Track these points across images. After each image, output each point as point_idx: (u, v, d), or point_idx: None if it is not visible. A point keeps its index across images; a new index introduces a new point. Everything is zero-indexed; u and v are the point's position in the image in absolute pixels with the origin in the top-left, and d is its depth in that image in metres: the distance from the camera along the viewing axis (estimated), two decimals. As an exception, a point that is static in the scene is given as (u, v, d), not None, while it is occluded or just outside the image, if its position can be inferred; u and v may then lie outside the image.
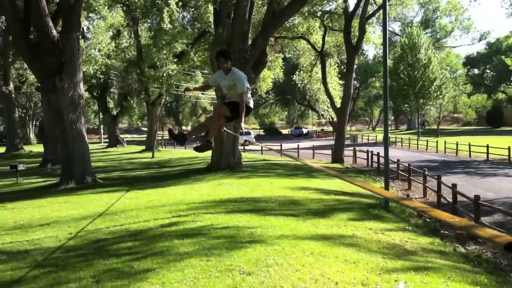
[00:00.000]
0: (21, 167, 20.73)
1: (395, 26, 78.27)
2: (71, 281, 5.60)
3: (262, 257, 6.25)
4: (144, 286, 5.29)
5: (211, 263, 5.99)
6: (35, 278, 5.84)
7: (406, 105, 56.16)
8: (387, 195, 7.00)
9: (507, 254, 8.54)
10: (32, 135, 58.04)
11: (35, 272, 6.07)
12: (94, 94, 46.09)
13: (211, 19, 23.22)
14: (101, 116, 57.23)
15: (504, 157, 27.35)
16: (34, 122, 59.32)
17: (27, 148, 42.63)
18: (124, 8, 30.11)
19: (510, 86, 65.13)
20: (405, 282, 5.67)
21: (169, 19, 22.83)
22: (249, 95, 6.55)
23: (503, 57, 54.70)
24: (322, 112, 38.88)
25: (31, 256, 6.85)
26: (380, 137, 47.91)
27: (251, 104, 6.57)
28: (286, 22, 25.55)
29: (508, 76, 63.60)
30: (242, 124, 6.73)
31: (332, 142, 33.87)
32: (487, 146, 28.90)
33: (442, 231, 10.23)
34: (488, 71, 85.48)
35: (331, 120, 37.28)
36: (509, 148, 26.62)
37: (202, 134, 7.26)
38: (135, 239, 7.54)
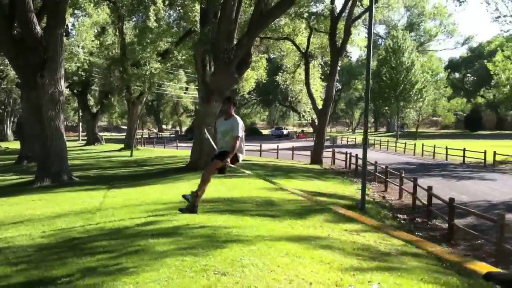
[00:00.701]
0: (-4, 163, 20.41)
1: (380, 29, 79.16)
2: (44, 279, 5.53)
3: (237, 257, 6.26)
4: (118, 286, 5.25)
5: (187, 263, 5.98)
6: (7, 276, 5.75)
7: (386, 108, 56.76)
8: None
9: (479, 257, 8.71)
10: (9, 132, 57.14)
11: (7, 270, 5.98)
12: (75, 91, 45.53)
13: (198, 18, 23.16)
14: (80, 114, 56.61)
15: (480, 161, 27.84)
16: (12, 119, 58.40)
17: (3, 145, 41.95)
18: (111, 5, 29.83)
19: (489, 91, 66.30)
20: (379, 283, 5.74)
21: (155, 18, 22.72)
22: (243, 145, 6.92)
23: (485, 61, 55.60)
24: (303, 114, 39.07)
25: (3, 254, 6.74)
26: (359, 139, 48.37)
27: (241, 158, 6.96)
28: (272, 23, 25.63)
29: (488, 81, 64.69)
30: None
31: (312, 144, 34.06)
32: (464, 150, 29.38)
33: (417, 233, 10.38)
34: (469, 75, 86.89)
35: (311, 121, 37.45)
36: (485, 152, 27.10)
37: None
38: (110, 238, 7.48)
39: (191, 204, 6.96)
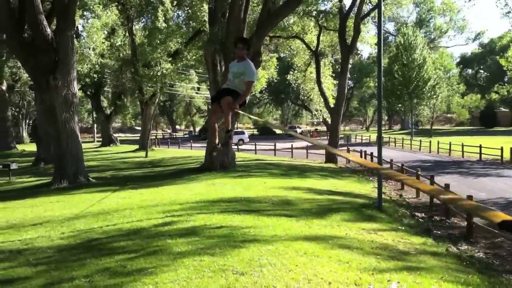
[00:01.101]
0: (13, 166, 20.65)
1: (389, 26, 78.61)
2: (63, 280, 5.58)
3: (255, 257, 6.25)
4: (137, 286, 5.28)
5: (205, 263, 5.99)
6: (27, 278, 5.81)
7: (400, 105, 56.33)
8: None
9: (499, 255, 8.60)
10: (25, 134, 57.76)
11: (28, 272, 6.04)
12: (88, 93, 45.86)
13: (206, 18, 23.21)
14: (94, 115, 57.04)
15: (496, 158, 27.49)
16: (27, 121, 59.04)
17: (20, 147, 42.42)
18: (119, 6, 30.02)
19: (503, 87, 65.53)
20: (398, 282, 5.69)
21: (163, 18, 22.81)
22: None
23: (497, 57, 54.98)
24: (315, 112, 38.96)
25: (23, 256, 6.81)
26: (373, 137, 48.08)
27: (247, 99, 6.52)
28: (281, 22, 25.59)
29: (501, 77, 63.97)
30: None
31: (326, 142, 33.94)
32: (480, 147, 29.04)
33: (435, 231, 10.27)
34: (482, 71, 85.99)
35: (324, 120, 37.32)
36: (501, 149, 26.75)
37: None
38: (128, 239, 7.52)
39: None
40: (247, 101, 6.61)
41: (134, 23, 33.85)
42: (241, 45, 6.23)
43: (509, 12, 32.32)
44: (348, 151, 30.04)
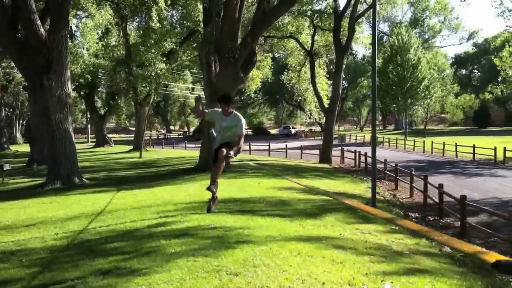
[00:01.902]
0: (7, 167, 20.54)
1: (384, 26, 78.79)
2: (57, 282, 5.55)
3: (249, 257, 6.24)
4: (131, 287, 5.26)
5: (198, 263, 5.98)
6: (20, 279, 5.78)
7: (394, 105, 56.50)
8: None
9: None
10: (18, 135, 57.47)
11: (21, 273, 6.01)
12: (82, 93, 45.73)
13: (201, 18, 23.19)
14: (88, 116, 56.88)
15: (490, 157, 27.63)
16: (21, 122, 58.74)
17: (13, 148, 42.22)
18: (113, 6, 29.95)
19: (497, 87, 65.88)
20: (392, 282, 5.70)
21: (157, 18, 22.74)
22: (243, 139, 7.04)
23: (492, 57, 55.23)
24: (309, 113, 39.01)
25: (16, 257, 6.77)
26: (368, 137, 48.21)
27: (241, 149, 7.21)
28: (276, 21, 25.61)
29: (495, 77, 64.27)
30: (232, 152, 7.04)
31: (320, 142, 33.99)
32: (474, 147, 29.17)
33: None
34: (476, 71, 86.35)
35: (318, 120, 37.41)
36: (495, 149, 26.89)
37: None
38: (121, 240, 7.49)
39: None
40: (239, 151, 7.27)
41: (128, 23, 33.74)
42: (224, 104, 6.79)
43: (503, 11, 32.48)
44: (343, 151, 30.11)
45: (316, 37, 30.89)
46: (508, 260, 1.75)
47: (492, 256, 1.67)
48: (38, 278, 5.77)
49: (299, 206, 11.10)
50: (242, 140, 6.90)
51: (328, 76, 35.57)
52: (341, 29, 28.69)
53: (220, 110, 6.93)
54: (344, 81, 63.39)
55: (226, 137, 6.85)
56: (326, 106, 30.25)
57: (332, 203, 12.06)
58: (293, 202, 11.68)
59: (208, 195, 7.75)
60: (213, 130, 7.44)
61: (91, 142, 54.78)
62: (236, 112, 6.84)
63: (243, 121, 6.84)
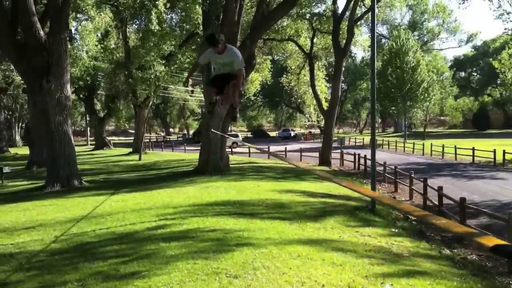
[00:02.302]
0: (6, 169, 20.50)
1: (382, 29, 78.86)
2: (56, 284, 5.55)
3: (249, 260, 6.25)
4: (130, 290, 5.26)
5: (198, 266, 5.98)
6: (20, 281, 5.78)
7: (393, 108, 56.52)
8: (374, 196, 7.05)
9: (491, 256, 8.63)
10: (18, 137, 57.41)
11: (20, 275, 6.01)
12: (81, 96, 45.73)
13: (200, 20, 23.19)
14: (87, 118, 56.85)
15: (489, 160, 27.62)
16: (20, 124, 58.68)
17: (12, 150, 42.18)
18: (113, 9, 29.98)
19: (496, 89, 65.95)
20: (391, 284, 5.70)
21: (157, 21, 22.75)
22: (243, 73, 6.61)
23: (490, 59, 55.29)
24: (308, 115, 39.01)
25: (16, 260, 6.77)
26: (367, 139, 48.18)
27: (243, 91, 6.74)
28: (275, 24, 25.63)
29: (494, 79, 64.31)
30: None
31: (320, 145, 33.97)
32: (473, 149, 29.15)
33: (428, 234, 10.31)
34: (475, 73, 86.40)
35: (317, 122, 37.43)
36: (494, 151, 26.88)
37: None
38: (121, 242, 7.49)
39: None
40: (243, 92, 6.80)
41: (127, 26, 33.78)
42: (212, 46, 6.21)
43: (502, 14, 32.55)
44: (342, 153, 30.10)
45: (315, 40, 30.90)
46: (507, 244, 1.76)
47: (490, 240, 1.69)
48: (37, 280, 5.77)
49: (299, 209, 11.10)
50: (243, 75, 6.47)
51: (327, 78, 35.56)
52: (340, 32, 28.70)
53: (210, 49, 6.46)
54: (343, 84, 63.30)
55: (225, 70, 6.44)
56: (326, 108, 30.25)
57: (331, 206, 12.06)
58: (292, 205, 11.68)
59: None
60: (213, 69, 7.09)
61: (91, 144, 54.71)
62: (230, 47, 6.37)
63: (239, 53, 6.42)
